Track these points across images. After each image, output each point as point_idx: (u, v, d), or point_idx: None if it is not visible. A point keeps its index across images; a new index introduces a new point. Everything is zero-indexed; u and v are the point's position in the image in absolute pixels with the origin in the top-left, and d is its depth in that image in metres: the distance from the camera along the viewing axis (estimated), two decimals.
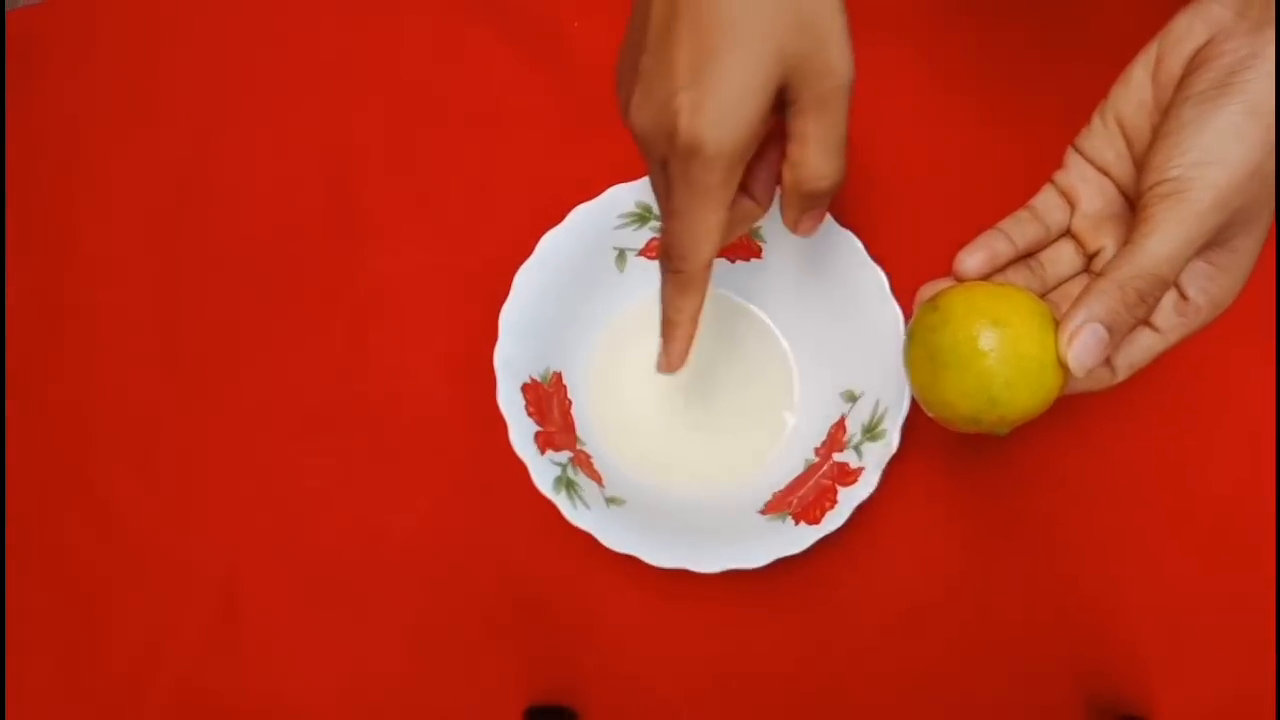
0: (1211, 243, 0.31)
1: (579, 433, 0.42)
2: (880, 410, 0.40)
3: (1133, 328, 0.31)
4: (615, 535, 0.38)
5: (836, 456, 0.41)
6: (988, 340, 0.31)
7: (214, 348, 0.47)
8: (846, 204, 0.42)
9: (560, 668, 0.43)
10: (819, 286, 0.42)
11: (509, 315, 0.40)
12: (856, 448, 0.40)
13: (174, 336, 0.47)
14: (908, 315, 0.40)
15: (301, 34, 0.50)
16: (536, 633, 0.43)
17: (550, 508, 0.39)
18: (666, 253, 0.34)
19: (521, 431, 0.39)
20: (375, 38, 0.50)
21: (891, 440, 0.39)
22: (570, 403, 0.43)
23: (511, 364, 0.40)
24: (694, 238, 0.32)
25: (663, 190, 0.33)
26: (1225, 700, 0.41)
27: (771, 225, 0.43)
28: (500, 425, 0.39)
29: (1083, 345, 0.31)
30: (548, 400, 0.41)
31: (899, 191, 0.46)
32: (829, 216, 0.41)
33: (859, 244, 0.41)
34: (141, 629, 0.44)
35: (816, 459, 0.42)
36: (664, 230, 0.34)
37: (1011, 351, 0.31)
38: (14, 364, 0.47)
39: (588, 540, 0.38)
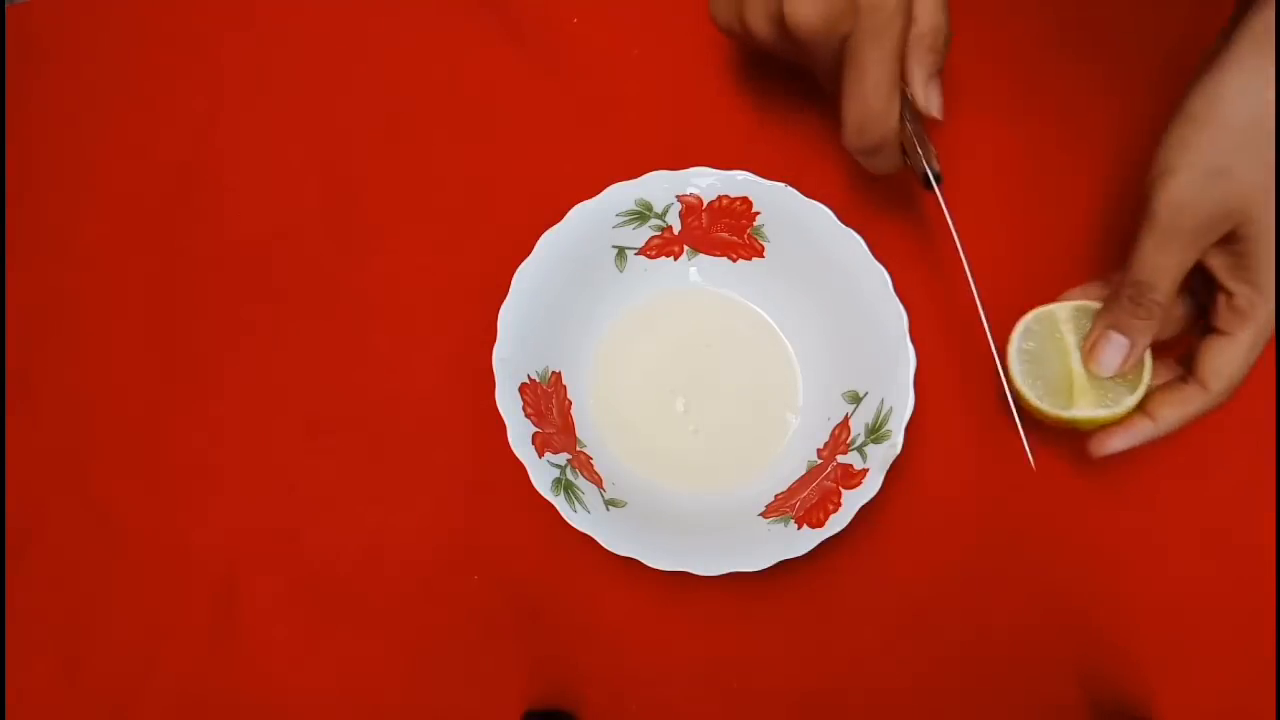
0: (1225, 250, 0.35)
1: (579, 434, 0.42)
2: (884, 411, 0.40)
3: (1142, 333, 0.36)
4: (615, 537, 0.38)
5: (840, 458, 0.40)
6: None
7: (212, 347, 0.47)
8: (849, 203, 0.41)
9: (559, 671, 0.42)
10: (822, 286, 0.42)
11: (507, 314, 0.40)
12: (860, 449, 0.40)
13: (173, 336, 0.47)
14: (910, 313, 0.39)
15: (300, 32, 0.50)
16: (536, 635, 0.43)
17: (550, 509, 0.38)
18: (859, 128, 0.37)
19: (519, 432, 0.39)
20: (374, 36, 0.50)
21: (896, 441, 0.39)
22: (570, 403, 0.43)
23: (510, 363, 0.40)
24: (884, 94, 0.36)
25: (844, 70, 0.37)
26: (1225, 700, 0.41)
27: (774, 224, 0.42)
28: (500, 426, 0.39)
29: (1101, 347, 0.37)
30: (546, 400, 0.41)
31: (902, 190, 0.46)
32: (832, 214, 0.41)
33: (862, 243, 0.40)
34: (141, 629, 0.44)
35: (819, 460, 0.41)
36: (849, 110, 0.37)
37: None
38: (13, 364, 0.47)
39: (588, 542, 0.38)
